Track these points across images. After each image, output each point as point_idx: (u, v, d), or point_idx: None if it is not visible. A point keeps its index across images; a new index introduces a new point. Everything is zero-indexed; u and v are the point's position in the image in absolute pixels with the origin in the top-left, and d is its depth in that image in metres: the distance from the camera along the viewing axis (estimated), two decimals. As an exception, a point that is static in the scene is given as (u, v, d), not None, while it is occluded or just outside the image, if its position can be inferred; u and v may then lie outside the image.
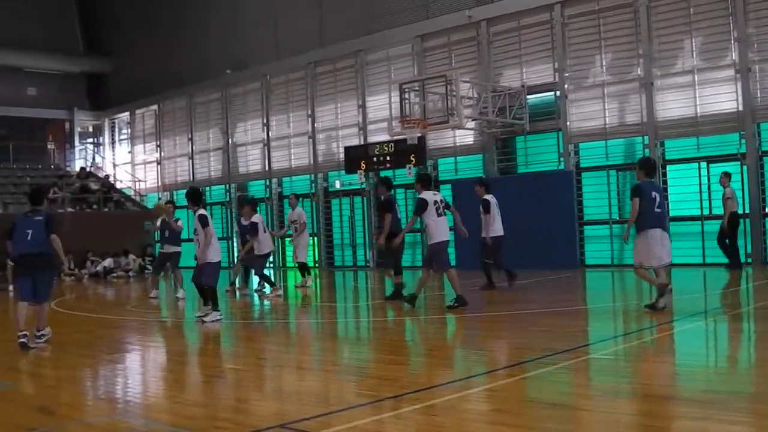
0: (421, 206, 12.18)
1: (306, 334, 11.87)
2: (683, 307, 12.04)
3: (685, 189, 19.69)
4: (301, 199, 20.53)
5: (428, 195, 12.30)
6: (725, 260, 17.53)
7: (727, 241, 17.39)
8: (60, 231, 10.47)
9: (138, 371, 8.83)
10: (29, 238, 10.19)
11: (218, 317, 12.14)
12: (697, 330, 9.70)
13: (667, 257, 10.95)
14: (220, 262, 12.61)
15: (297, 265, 18.46)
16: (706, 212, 19.25)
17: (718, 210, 19.09)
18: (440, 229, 12.21)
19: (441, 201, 12.40)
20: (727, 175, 17.42)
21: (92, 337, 11.57)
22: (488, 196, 15.21)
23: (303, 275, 18.22)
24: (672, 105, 19.69)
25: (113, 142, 37.98)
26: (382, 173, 24.74)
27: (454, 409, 6.09)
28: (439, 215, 12.21)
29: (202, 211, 12.45)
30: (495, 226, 15.06)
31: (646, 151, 19.85)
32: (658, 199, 10.89)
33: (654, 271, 10.97)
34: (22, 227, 10.30)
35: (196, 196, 12.99)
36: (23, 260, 10.35)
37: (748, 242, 18.54)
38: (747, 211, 18.50)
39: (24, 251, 10.25)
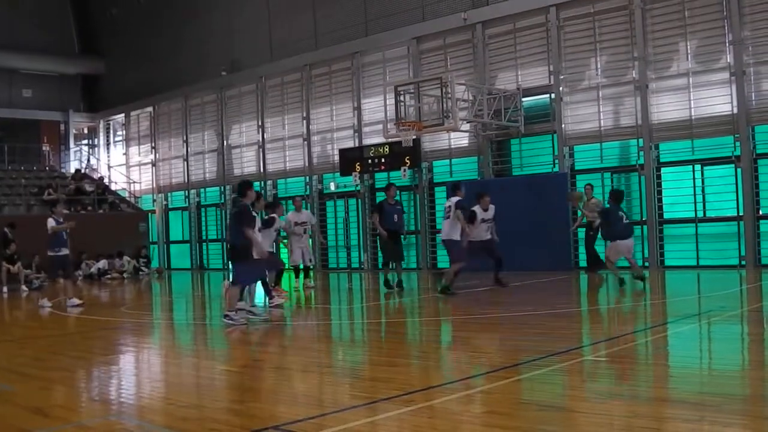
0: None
1: (300, 336, 11.85)
2: (677, 310, 12.07)
3: (679, 192, 19.73)
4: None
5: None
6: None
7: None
8: (250, 224, 11.46)
9: (132, 372, 8.82)
10: (228, 228, 12.06)
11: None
12: (691, 332, 9.71)
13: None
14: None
15: (303, 268, 18.37)
16: (700, 215, 19.29)
17: (712, 213, 19.19)
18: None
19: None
20: (592, 187, 18.71)
21: (86, 339, 11.54)
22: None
23: (307, 276, 18.45)
24: (667, 108, 19.73)
25: (108, 144, 37.92)
26: (377, 174, 24.80)
27: (448, 410, 6.08)
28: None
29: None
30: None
31: (641, 153, 19.90)
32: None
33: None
34: (229, 218, 12.07)
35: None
36: (227, 248, 12.20)
37: (742, 244, 18.59)
38: (742, 214, 18.55)
39: (226, 240, 11.69)
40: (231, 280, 12.00)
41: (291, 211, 18.24)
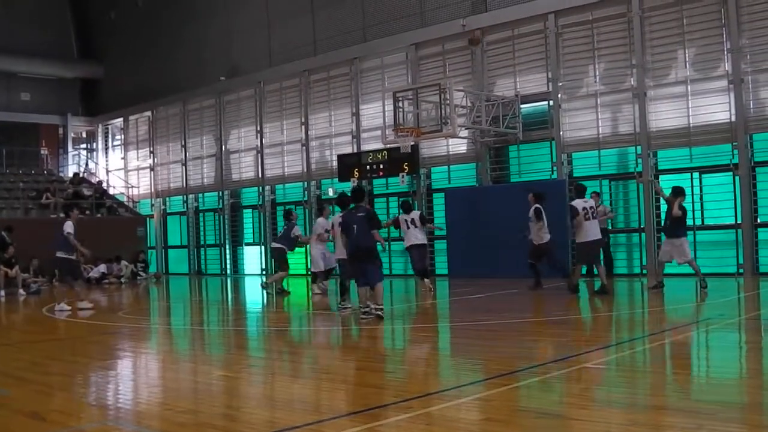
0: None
1: (298, 342, 11.85)
2: (676, 317, 12.07)
3: (677, 199, 19.71)
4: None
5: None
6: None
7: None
8: (380, 227, 12.43)
9: (129, 378, 8.80)
10: (355, 233, 12.04)
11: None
12: (689, 340, 9.71)
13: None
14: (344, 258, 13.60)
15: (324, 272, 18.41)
16: (698, 222, 19.29)
17: (710, 220, 19.20)
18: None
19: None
20: (599, 195, 18.93)
21: (84, 344, 11.53)
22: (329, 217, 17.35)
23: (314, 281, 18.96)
24: (665, 115, 19.75)
25: (106, 148, 37.89)
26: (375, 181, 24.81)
27: (446, 417, 6.07)
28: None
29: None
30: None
31: (639, 161, 19.92)
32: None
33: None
34: (349, 223, 12.18)
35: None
36: (353, 252, 12.25)
37: (740, 252, 18.60)
38: (740, 222, 18.56)
39: (352, 244, 12.18)
40: (376, 279, 12.33)
41: (321, 218, 18.32)
